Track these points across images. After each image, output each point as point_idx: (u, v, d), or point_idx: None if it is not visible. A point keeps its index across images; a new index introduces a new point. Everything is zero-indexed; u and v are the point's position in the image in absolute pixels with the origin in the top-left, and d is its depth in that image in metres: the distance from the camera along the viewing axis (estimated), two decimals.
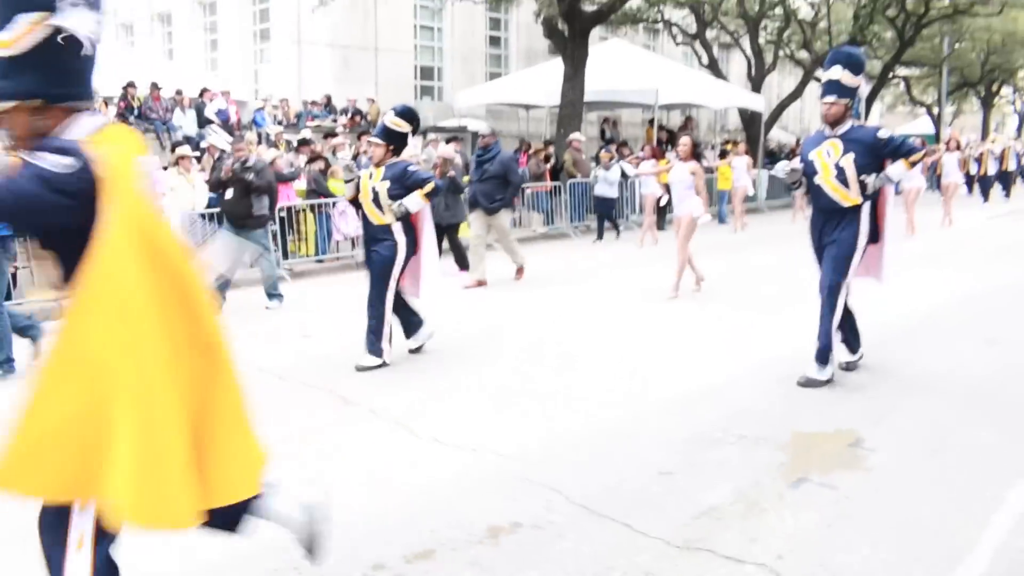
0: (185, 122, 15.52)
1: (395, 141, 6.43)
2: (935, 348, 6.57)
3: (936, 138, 32.14)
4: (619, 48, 21.63)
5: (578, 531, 3.43)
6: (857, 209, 5.72)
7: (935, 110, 36.63)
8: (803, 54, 27.65)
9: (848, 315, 5.89)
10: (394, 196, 6.25)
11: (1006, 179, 23.72)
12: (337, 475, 4.10)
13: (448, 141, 17.51)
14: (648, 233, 14.09)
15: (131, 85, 15.89)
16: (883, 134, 5.83)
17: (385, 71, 22.86)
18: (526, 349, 6.74)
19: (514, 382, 5.73)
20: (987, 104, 41.24)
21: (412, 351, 6.63)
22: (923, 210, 15.21)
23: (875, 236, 5.83)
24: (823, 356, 5.63)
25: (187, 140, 13.80)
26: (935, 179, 20.81)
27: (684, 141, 9.38)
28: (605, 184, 15.05)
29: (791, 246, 10.00)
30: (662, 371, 6.01)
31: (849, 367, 5.92)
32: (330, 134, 15.43)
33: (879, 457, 4.22)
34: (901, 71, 32.45)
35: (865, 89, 4.80)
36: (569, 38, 17.25)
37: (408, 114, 6.51)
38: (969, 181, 22.73)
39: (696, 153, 9.33)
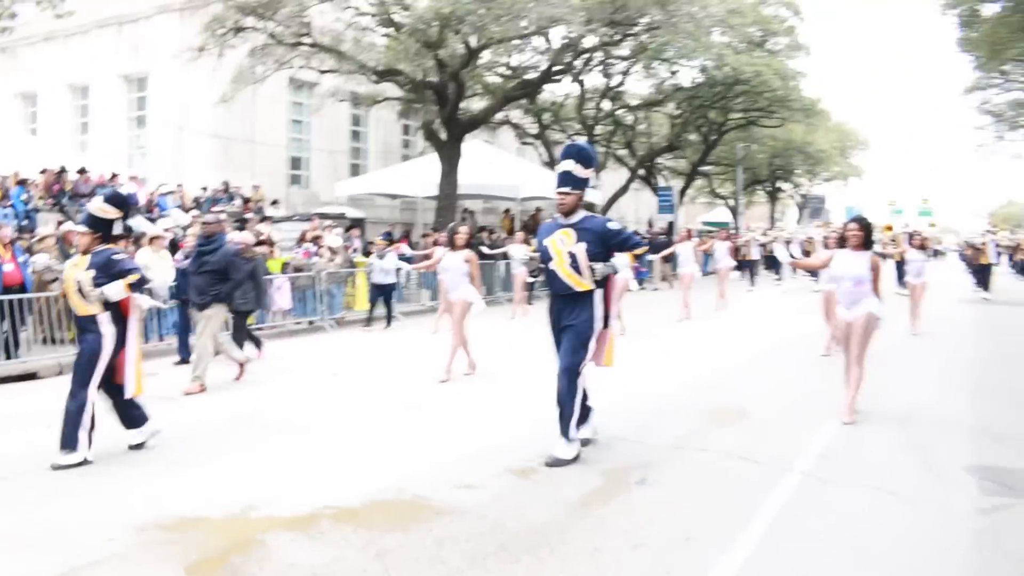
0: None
1: (101, 228, 6.30)
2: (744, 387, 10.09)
3: (735, 224, 37.99)
4: (478, 148, 25.22)
5: (620, 446, 6.49)
6: (589, 294, 6.16)
7: (731, 202, 43.01)
8: (623, 152, 32.68)
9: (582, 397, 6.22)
10: (99, 284, 6.13)
11: (776, 263, 28.48)
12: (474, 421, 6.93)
13: (349, 228, 20.39)
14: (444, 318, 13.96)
15: (63, 170, 17.63)
16: (613, 226, 6.27)
17: (261, 160, 25.30)
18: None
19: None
20: (773, 197, 48.56)
21: (132, 447, 6.45)
22: (700, 293, 17.63)
23: (605, 321, 6.31)
24: (567, 433, 6.04)
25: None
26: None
27: (461, 231, 9.96)
28: (380, 272, 15.30)
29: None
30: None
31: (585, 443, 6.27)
32: (241, 219, 17.77)
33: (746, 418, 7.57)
34: (705, 169, 38.23)
35: (595, 181, 5.87)
36: (446, 141, 20.60)
37: (115, 199, 6.42)
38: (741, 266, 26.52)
39: (470, 242, 9.94)
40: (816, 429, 7.05)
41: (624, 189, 30.43)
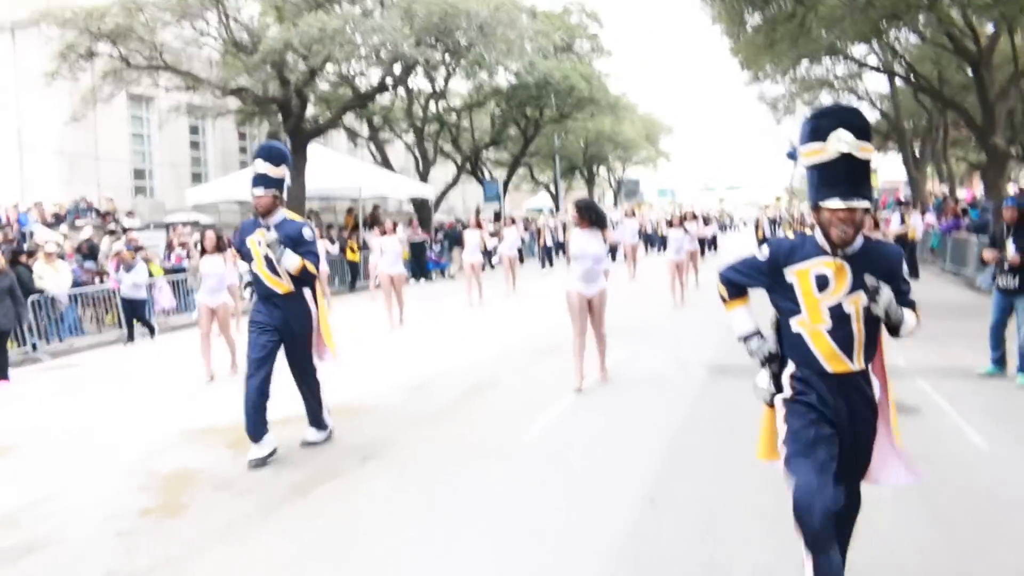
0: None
1: None
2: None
3: (557, 208, 42.04)
4: (316, 152, 27.68)
5: (471, 375, 9.63)
6: (294, 295, 6.39)
7: (551, 188, 47.17)
8: (449, 148, 35.93)
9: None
10: None
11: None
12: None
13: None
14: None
15: None
16: (308, 234, 6.36)
17: (106, 175, 26.78)
18: None
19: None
20: (590, 182, 53.20)
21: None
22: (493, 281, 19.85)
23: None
24: (319, 423, 6.85)
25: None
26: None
27: (208, 235, 10.40)
28: (132, 287, 14.61)
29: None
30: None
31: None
32: (111, 231, 19.70)
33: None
34: (526, 159, 42.00)
35: (285, 179, 6.55)
36: (292, 149, 23.04)
37: None
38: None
39: (220, 245, 10.27)
40: (609, 353, 10.43)
41: (453, 183, 33.74)
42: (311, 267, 6.31)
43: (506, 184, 39.90)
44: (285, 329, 6.39)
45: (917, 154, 34.70)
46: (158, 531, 5.12)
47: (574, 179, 53.63)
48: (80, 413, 8.87)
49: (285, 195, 6.50)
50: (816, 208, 3.34)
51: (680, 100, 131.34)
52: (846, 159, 3.23)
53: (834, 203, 3.25)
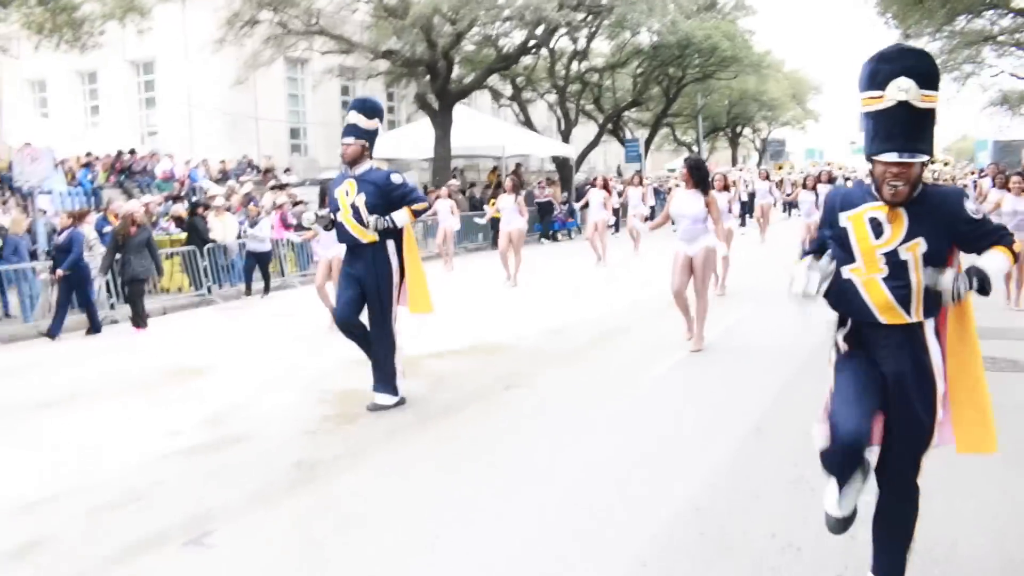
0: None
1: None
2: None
3: None
4: (462, 113, 28.91)
5: (605, 319, 10.50)
6: (382, 246, 6.48)
7: (694, 148, 47.07)
8: (591, 107, 36.53)
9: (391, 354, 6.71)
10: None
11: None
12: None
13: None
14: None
15: (131, 152, 21.26)
16: (396, 179, 6.49)
17: (264, 134, 28.85)
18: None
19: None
20: (733, 143, 52.76)
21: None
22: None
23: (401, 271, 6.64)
24: (387, 385, 6.67)
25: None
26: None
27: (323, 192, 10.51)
28: (255, 241, 15.49)
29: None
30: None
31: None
32: (278, 186, 21.47)
33: None
34: (668, 120, 42.17)
35: (382, 128, 5.20)
36: (439, 109, 24.31)
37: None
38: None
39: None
40: (732, 312, 11.10)
41: (595, 143, 34.42)
42: (420, 206, 6.60)
43: (648, 144, 40.23)
44: (368, 281, 6.56)
45: None
46: (337, 432, 6.28)
47: (717, 140, 53.28)
48: (257, 344, 10.30)
49: (374, 149, 6.72)
50: (870, 160, 3.14)
51: (829, 58, 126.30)
52: (905, 107, 2.99)
53: (889, 157, 3.02)
